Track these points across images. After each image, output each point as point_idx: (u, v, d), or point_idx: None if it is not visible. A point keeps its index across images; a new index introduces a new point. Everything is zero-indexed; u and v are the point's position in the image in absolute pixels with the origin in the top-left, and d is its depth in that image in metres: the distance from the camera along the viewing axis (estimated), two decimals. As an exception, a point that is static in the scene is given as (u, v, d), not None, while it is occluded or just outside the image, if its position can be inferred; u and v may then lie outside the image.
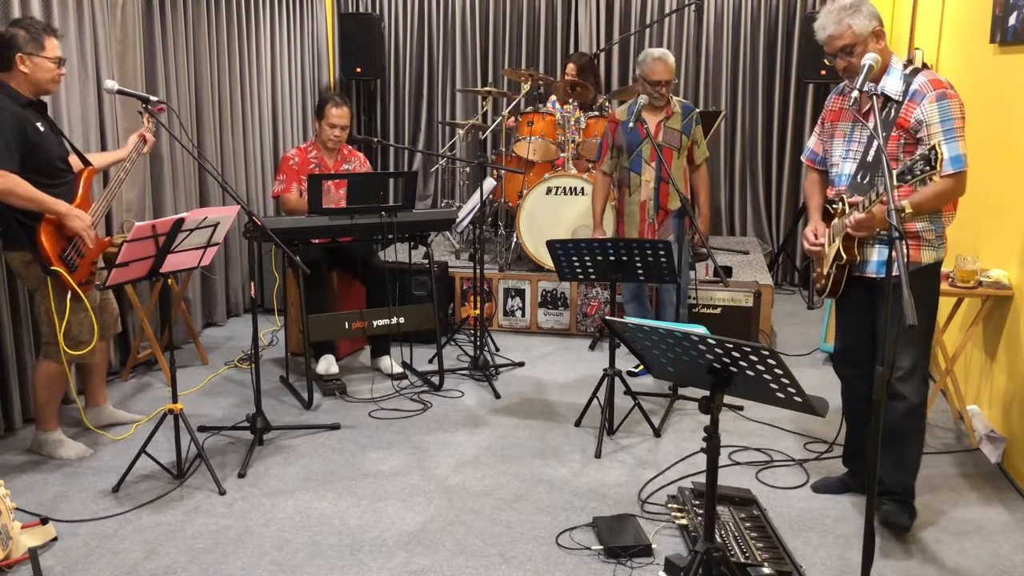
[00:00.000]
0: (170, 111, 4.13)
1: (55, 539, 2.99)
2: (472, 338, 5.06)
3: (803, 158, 3.33)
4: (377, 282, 4.63)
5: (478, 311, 4.76)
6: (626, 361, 4.77)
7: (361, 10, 7.24)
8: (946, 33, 4.69)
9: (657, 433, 3.91)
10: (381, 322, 4.38)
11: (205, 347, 5.03)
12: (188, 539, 3.02)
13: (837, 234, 2.97)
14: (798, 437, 3.89)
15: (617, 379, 3.92)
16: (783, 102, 6.77)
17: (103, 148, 4.41)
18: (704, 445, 2.29)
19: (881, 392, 2.33)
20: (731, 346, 2.08)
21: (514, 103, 6.00)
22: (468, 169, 6.70)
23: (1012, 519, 3.17)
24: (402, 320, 4.41)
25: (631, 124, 4.35)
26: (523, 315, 5.53)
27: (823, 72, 6.17)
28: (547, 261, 5.25)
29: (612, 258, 3.78)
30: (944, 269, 3.15)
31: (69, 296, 3.36)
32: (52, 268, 3.33)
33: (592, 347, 5.24)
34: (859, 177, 2.95)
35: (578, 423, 4.03)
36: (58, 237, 3.37)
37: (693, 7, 6.63)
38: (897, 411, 2.95)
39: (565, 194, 5.37)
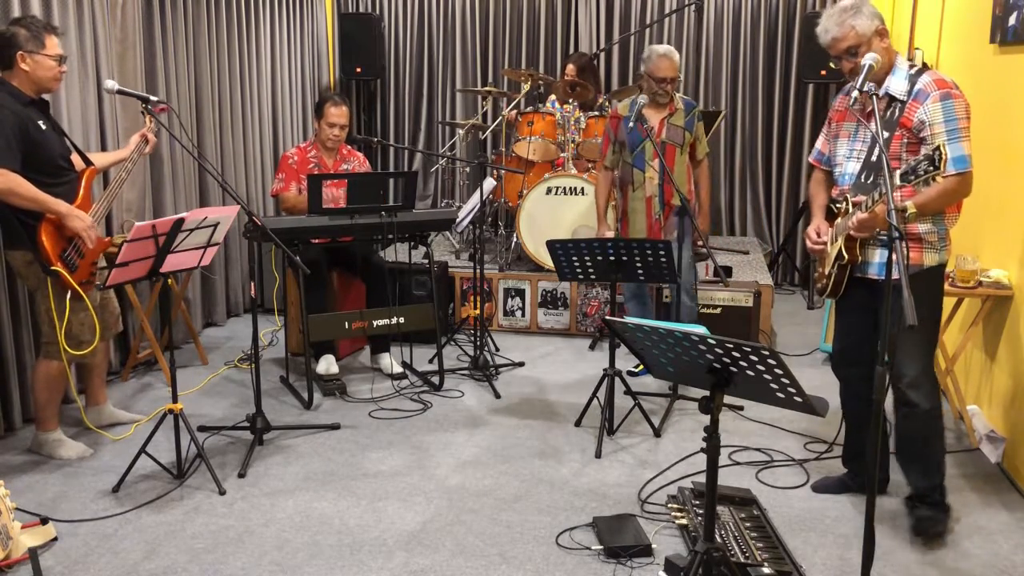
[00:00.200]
0: (170, 111, 4.12)
1: (55, 539, 2.99)
2: (472, 338, 5.06)
3: (810, 159, 3.32)
4: (377, 282, 4.63)
5: (478, 311, 4.76)
6: (626, 361, 4.77)
7: (361, 10, 7.24)
8: (946, 33, 4.69)
9: (657, 433, 3.91)
10: (381, 322, 4.38)
11: (205, 347, 5.03)
12: (188, 539, 3.02)
13: (840, 234, 2.97)
14: (798, 437, 3.89)
15: (617, 379, 3.92)
16: (783, 102, 6.77)
17: (103, 148, 4.41)
18: (704, 445, 2.29)
19: (881, 392, 2.33)
20: (731, 346, 2.08)
21: (514, 103, 6.00)
22: (468, 169, 6.70)
23: (1012, 519, 3.17)
24: (402, 320, 4.41)
25: (631, 124, 4.35)
26: (523, 315, 5.53)
27: (823, 72, 6.16)
28: (547, 261, 5.25)
29: (612, 258, 3.78)
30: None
31: (69, 296, 3.36)
32: (52, 268, 3.33)
33: (592, 347, 5.24)
34: (863, 177, 2.95)
35: (578, 423, 4.03)
36: (58, 237, 3.37)
37: (693, 7, 6.63)
38: (914, 419, 2.97)
39: (565, 194, 5.37)
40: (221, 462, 3.60)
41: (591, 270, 3.86)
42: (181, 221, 3.28)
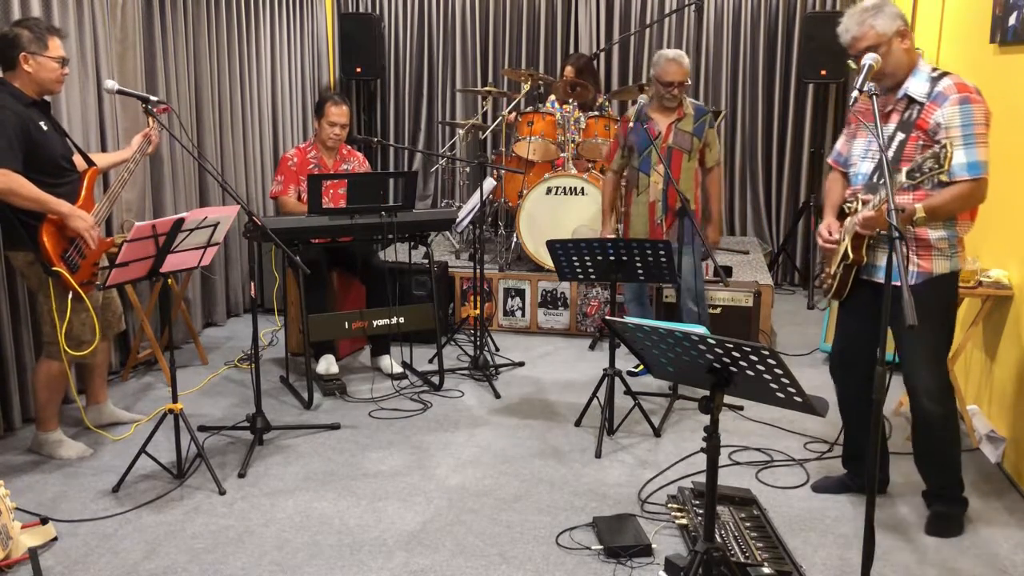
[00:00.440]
0: (170, 111, 4.12)
1: (55, 539, 2.99)
2: (472, 338, 5.06)
3: (828, 159, 3.29)
4: (377, 282, 4.63)
5: (478, 311, 4.76)
6: (626, 361, 4.77)
7: (361, 10, 7.24)
8: (946, 33, 4.69)
9: (657, 433, 3.91)
10: (381, 322, 4.38)
11: (205, 347, 5.03)
12: (188, 539, 3.02)
13: (847, 233, 2.96)
14: (798, 437, 3.89)
15: (617, 379, 3.92)
16: (783, 102, 6.77)
17: (103, 148, 4.42)
18: (704, 445, 2.29)
19: (880, 392, 2.33)
20: (731, 346, 2.08)
21: (514, 103, 6.01)
22: (468, 169, 6.70)
23: (1012, 519, 3.17)
24: (402, 320, 4.41)
25: (631, 124, 4.35)
26: (523, 315, 5.53)
27: (823, 72, 6.17)
28: (547, 261, 5.25)
29: (612, 258, 3.78)
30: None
31: (71, 296, 3.36)
32: (53, 269, 3.33)
33: (592, 347, 5.24)
34: (875, 177, 2.93)
35: (578, 423, 4.03)
36: (60, 237, 3.37)
37: (693, 7, 6.63)
38: (929, 426, 2.99)
39: (565, 194, 5.37)
40: (221, 462, 3.61)
41: (591, 270, 3.86)
42: (181, 221, 3.28)
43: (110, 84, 3.61)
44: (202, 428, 3.91)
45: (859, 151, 3.03)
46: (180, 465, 3.46)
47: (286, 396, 4.40)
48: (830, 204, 3.17)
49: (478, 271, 4.73)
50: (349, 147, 4.84)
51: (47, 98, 3.54)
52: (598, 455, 3.69)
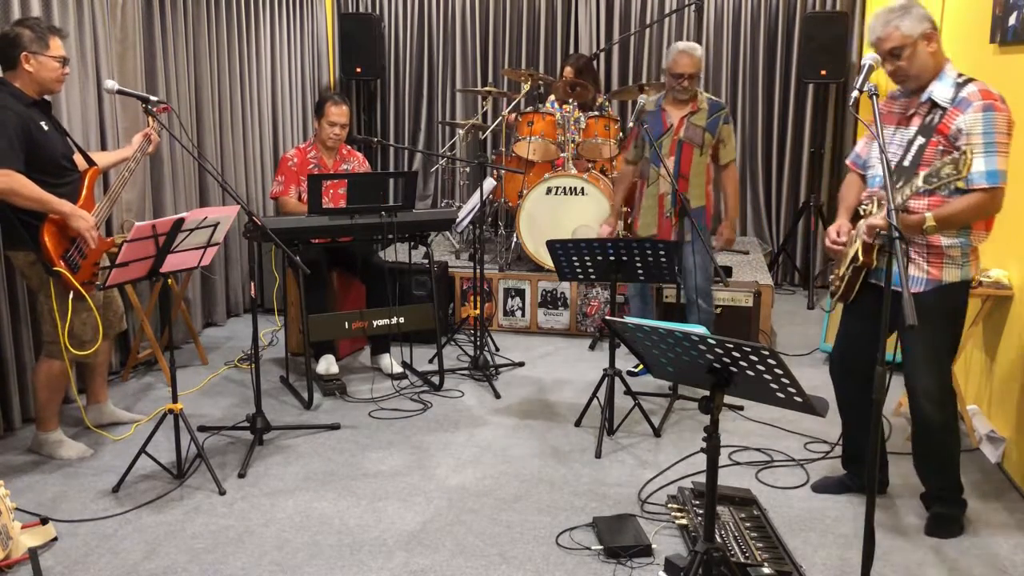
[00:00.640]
0: (170, 111, 4.13)
1: (55, 539, 2.99)
2: (472, 338, 5.06)
3: (847, 161, 3.26)
4: (377, 282, 4.63)
5: (478, 311, 4.76)
6: (626, 361, 4.77)
7: (361, 10, 7.24)
8: (946, 33, 4.69)
9: (657, 433, 3.91)
10: (381, 322, 4.38)
11: (205, 347, 5.03)
12: (188, 539, 3.02)
13: (859, 235, 2.93)
14: (798, 437, 3.89)
15: (617, 379, 3.92)
16: (783, 102, 6.77)
17: (103, 148, 4.42)
18: (704, 445, 2.29)
19: (880, 392, 2.33)
20: (731, 346, 2.08)
21: (514, 103, 6.00)
22: (468, 169, 6.70)
23: (1012, 519, 3.17)
24: (402, 320, 4.41)
25: (630, 124, 4.35)
26: (523, 315, 5.53)
27: (823, 72, 6.17)
28: (547, 261, 5.25)
29: (612, 258, 3.78)
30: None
31: (72, 296, 3.36)
32: (55, 269, 3.33)
33: (592, 347, 5.24)
34: (892, 179, 2.89)
35: (578, 423, 4.03)
36: (61, 237, 3.37)
37: (693, 7, 6.63)
38: (933, 431, 2.98)
39: (565, 194, 5.37)
40: (221, 462, 3.60)
41: (591, 270, 3.86)
42: (181, 221, 3.28)
43: (110, 84, 3.61)
44: (202, 428, 3.91)
45: (877, 153, 2.95)
46: (180, 465, 3.46)
47: (286, 396, 4.40)
48: (844, 205, 3.13)
49: (478, 271, 4.73)
50: (349, 147, 4.84)
51: (47, 97, 3.53)
52: (598, 455, 3.69)
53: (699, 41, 6.72)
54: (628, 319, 2.37)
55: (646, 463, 3.63)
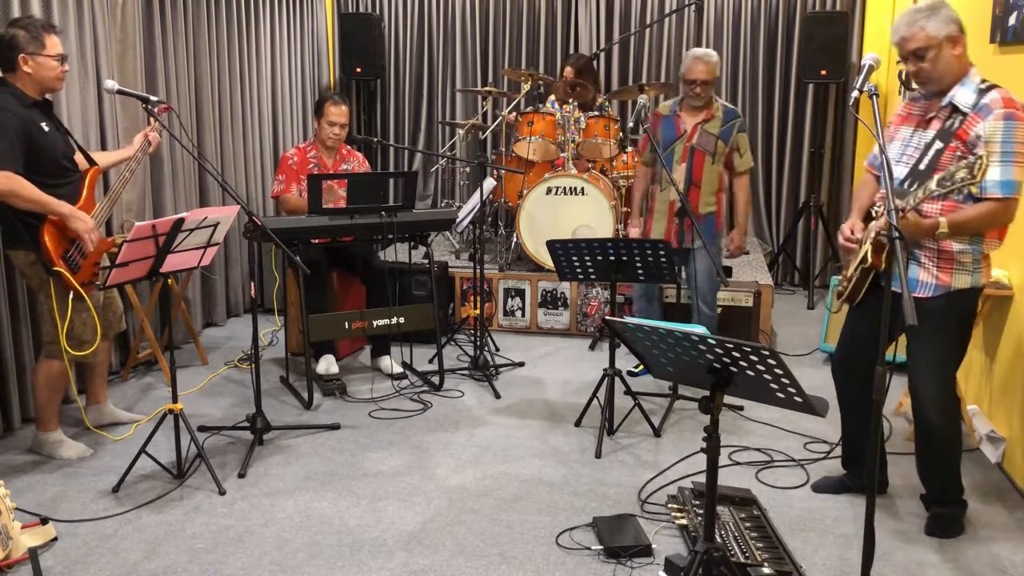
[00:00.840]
0: (170, 111, 4.13)
1: (55, 539, 2.99)
2: (472, 338, 5.06)
3: (865, 162, 3.23)
4: (377, 282, 4.63)
5: (478, 311, 4.76)
6: (626, 361, 4.77)
7: (361, 10, 7.24)
8: (946, 33, 4.68)
9: (657, 433, 3.91)
10: (381, 322, 4.38)
11: (205, 347, 5.03)
12: (188, 539, 3.02)
13: (869, 237, 2.91)
14: (798, 437, 3.89)
15: (617, 379, 3.92)
16: (783, 102, 6.77)
17: (103, 148, 4.41)
18: (704, 445, 2.29)
19: (880, 392, 2.33)
20: (731, 346, 2.08)
21: (514, 103, 6.00)
22: (468, 169, 6.70)
23: (1012, 519, 3.17)
24: (402, 320, 4.41)
25: (630, 125, 4.35)
26: (523, 315, 5.53)
27: (823, 72, 6.17)
28: (547, 261, 5.25)
29: (612, 258, 3.78)
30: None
31: (72, 296, 3.36)
32: (55, 269, 3.33)
33: (592, 347, 5.24)
34: (907, 183, 2.85)
35: (578, 423, 4.03)
36: (61, 238, 3.37)
37: (693, 7, 6.63)
38: (935, 436, 2.98)
39: (565, 194, 5.37)
40: (221, 462, 3.60)
41: (591, 270, 3.86)
42: (181, 221, 3.28)
43: (110, 84, 3.60)
44: (202, 428, 3.91)
45: (894, 155, 2.95)
46: (180, 465, 3.46)
47: (286, 396, 4.40)
48: (858, 205, 3.11)
49: (478, 271, 4.73)
50: (349, 147, 4.84)
51: (49, 97, 3.53)
52: (598, 455, 3.69)
53: (699, 41, 6.73)
54: (628, 319, 2.37)
55: (646, 463, 3.63)
